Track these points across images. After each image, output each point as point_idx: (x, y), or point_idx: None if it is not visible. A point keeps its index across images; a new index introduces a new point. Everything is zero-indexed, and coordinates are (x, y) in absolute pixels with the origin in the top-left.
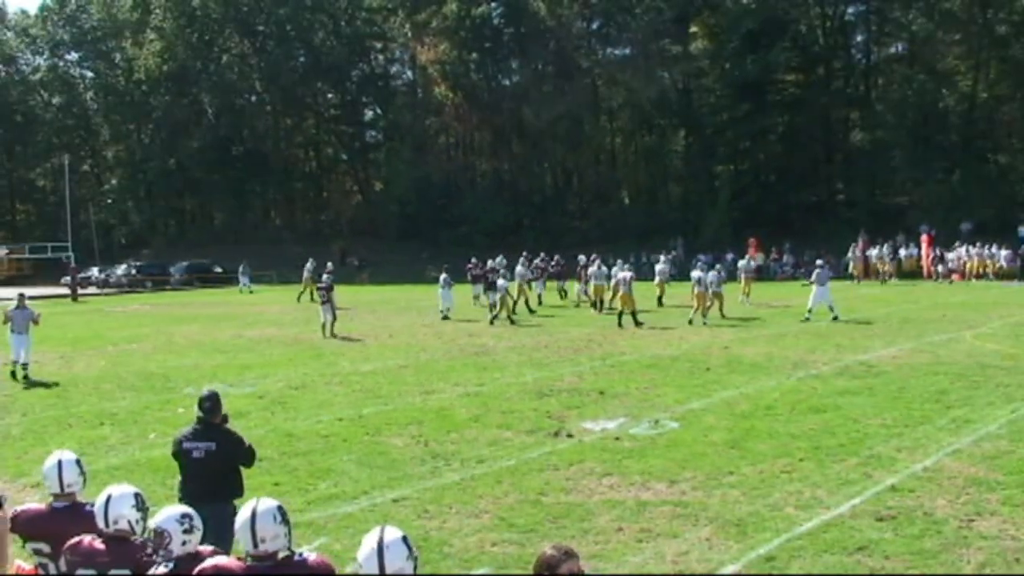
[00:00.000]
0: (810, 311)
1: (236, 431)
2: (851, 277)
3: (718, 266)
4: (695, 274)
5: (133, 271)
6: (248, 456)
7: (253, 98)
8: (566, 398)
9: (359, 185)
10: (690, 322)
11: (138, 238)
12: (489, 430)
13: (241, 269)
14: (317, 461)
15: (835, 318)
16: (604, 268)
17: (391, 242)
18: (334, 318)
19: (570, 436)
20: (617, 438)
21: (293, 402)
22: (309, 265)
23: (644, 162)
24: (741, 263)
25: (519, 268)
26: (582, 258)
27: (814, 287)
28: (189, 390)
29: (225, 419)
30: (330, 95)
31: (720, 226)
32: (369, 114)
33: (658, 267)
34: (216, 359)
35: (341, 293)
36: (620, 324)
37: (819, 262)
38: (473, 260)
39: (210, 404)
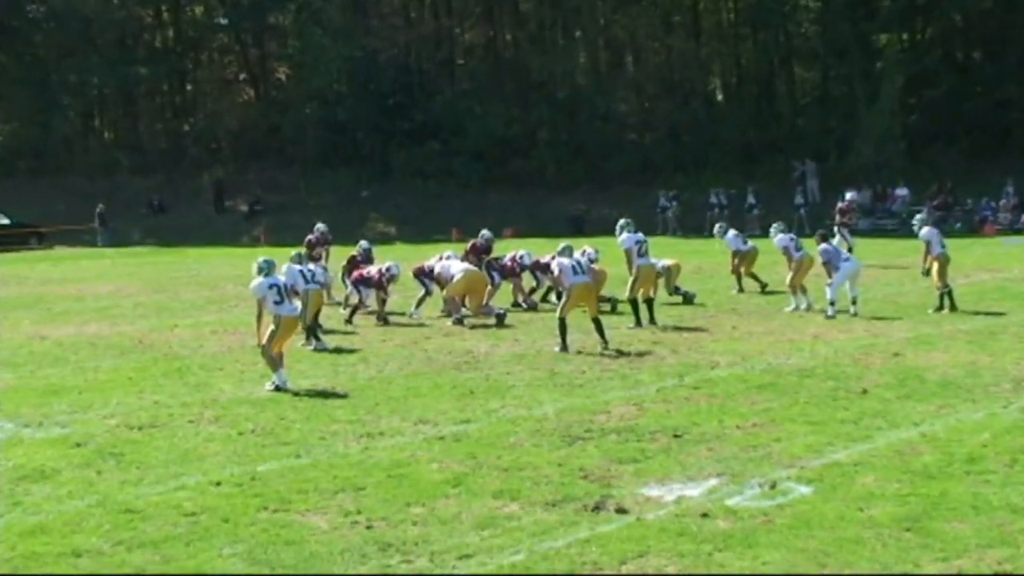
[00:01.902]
0: None
1: None
2: None
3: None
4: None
5: None
6: None
7: None
8: (614, 444)
9: (250, 72)
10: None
11: None
12: (480, 501)
13: (99, 213)
14: (176, 558)
15: None
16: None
17: (306, 172)
18: None
19: (622, 511)
20: (705, 514)
21: (135, 453)
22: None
23: (751, 29)
24: (919, 216)
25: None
26: (663, 199)
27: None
28: None
29: None
30: None
31: (883, 140)
32: None
33: (777, 238)
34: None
35: (215, 258)
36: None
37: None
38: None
39: None
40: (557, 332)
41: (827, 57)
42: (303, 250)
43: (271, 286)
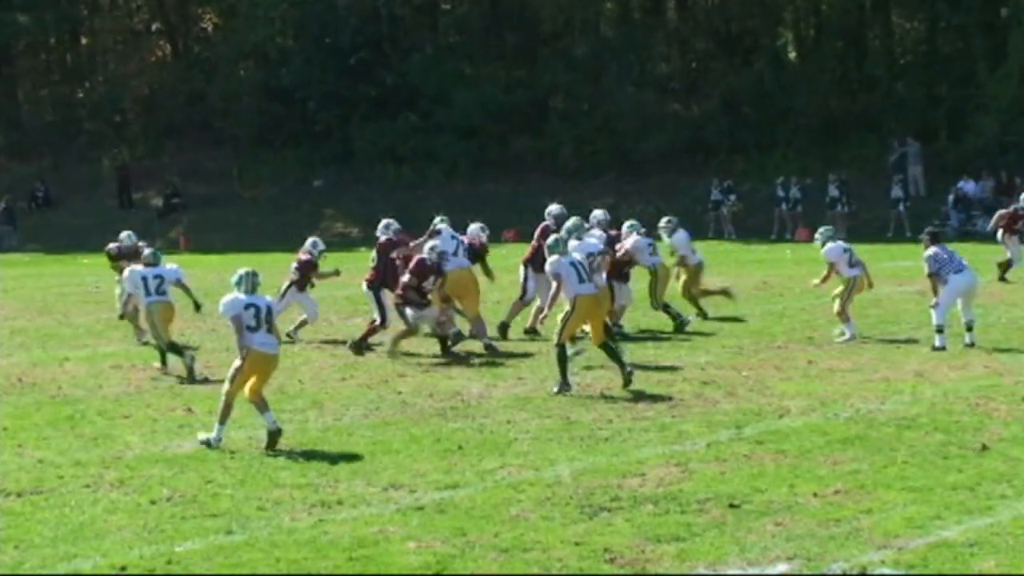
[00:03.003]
0: None
1: None
2: None
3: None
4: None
5: None
6: None
7: None
8: (650, 517)
9: (165, 21)
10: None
11: None
12: None
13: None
14: None
15: None
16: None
17: (240, 155)
18: None
19: None
20: None
21: (13, 528)
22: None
23: None
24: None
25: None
26: (715, 191)
27: None
28: None
29: None
30: None
31: (1011, 112)
32: None
33: (828, 247)
34: None
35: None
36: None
37: None
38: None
39: None
40: (556, 365)
41: (936, 2)
42: (148, 250)
43: (248, 306)
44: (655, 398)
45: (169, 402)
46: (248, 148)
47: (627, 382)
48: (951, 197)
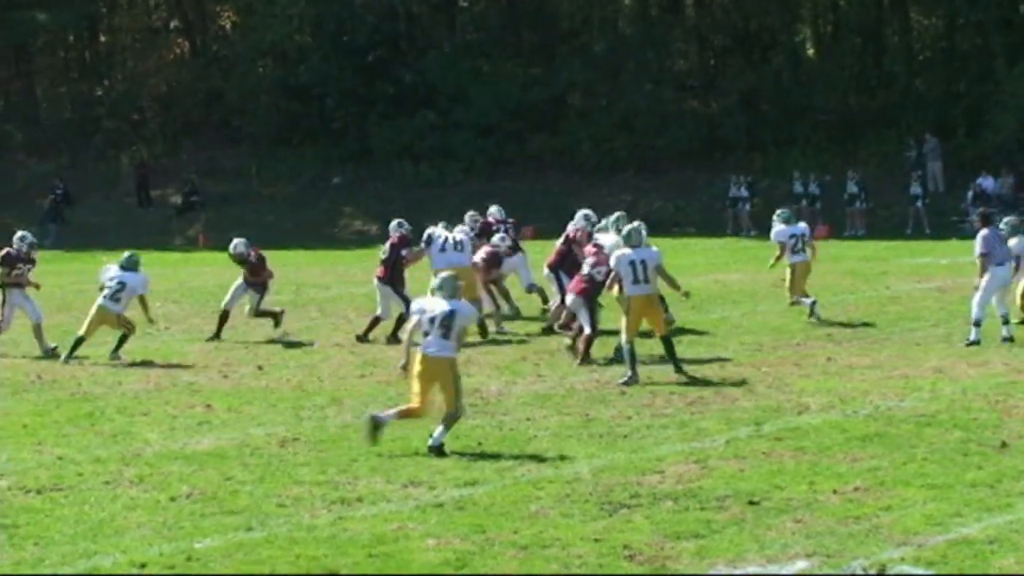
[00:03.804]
0: None
1: None
2: None
3: None
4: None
5: None
6: None
7: None
8: (669, 514)
9: (183, 19)
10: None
11: None
12: None
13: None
14: None
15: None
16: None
17: (258, 152)
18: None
19: None
20: None
21: (33, 525)
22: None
23: None
24: (1008, 220)
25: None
26: (734, 188)
27: None
28: None
29: None
30: None
31: None
32: None
33: (777, 229)
34: None
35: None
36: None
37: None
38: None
39: None
40: (625, 361)
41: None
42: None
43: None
44: (674, 395)
45: (188, 399)
46: (266, 146)
47: (680, 373)
48: (970, 194)
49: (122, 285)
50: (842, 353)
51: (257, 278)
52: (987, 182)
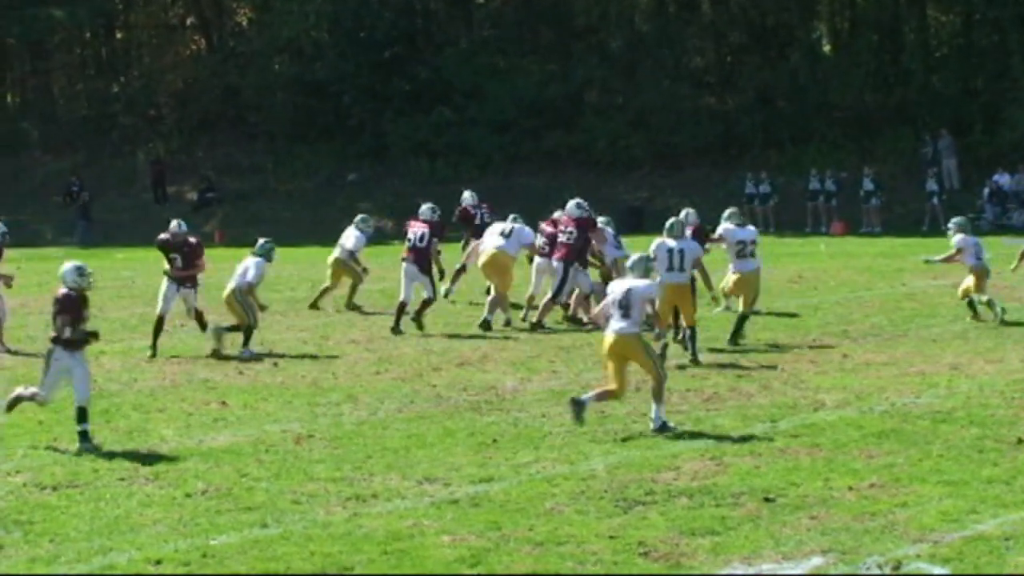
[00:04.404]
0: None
1: None
2: None
3: None
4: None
5: None
6: None
7: None
8: (684, 511)
9: (199, 16)
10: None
11: None
12: None
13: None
14: None
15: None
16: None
17: (275, 149)
18: None
19: None
20: None
21: (48, 522)
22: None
23: None
24: (955, 220)
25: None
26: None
27: None
28: None
29: None
30: None
31: None
32: None
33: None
34: None
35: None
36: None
37: None
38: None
39: None
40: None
41: None
42: None
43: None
44: (690, 392)
45: (204, 396)
46: (282, 142)
47: (695, 361)
48: (986, 191)
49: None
50: (858, 350)
51: (188, 271)
52: (1003, 179)
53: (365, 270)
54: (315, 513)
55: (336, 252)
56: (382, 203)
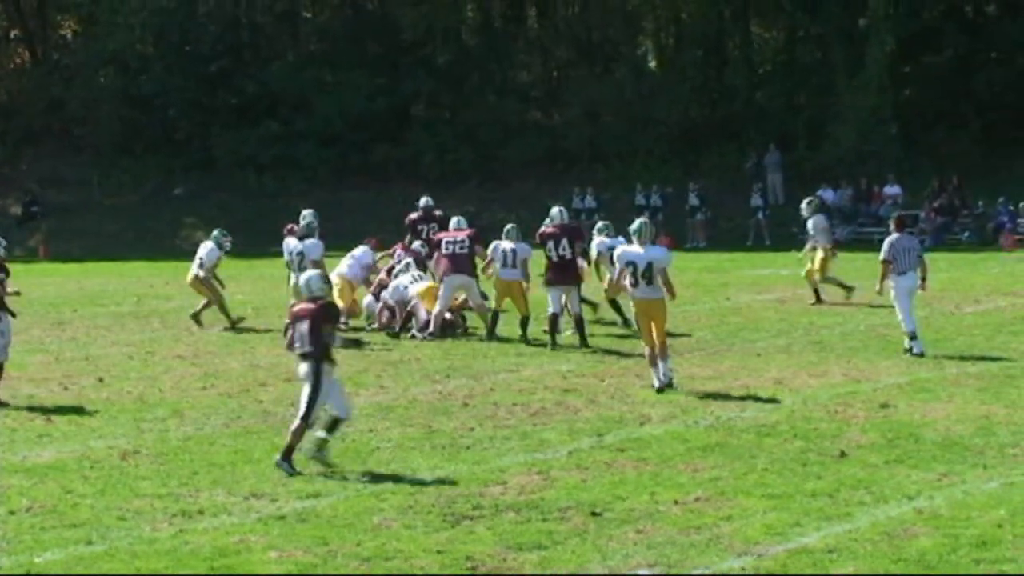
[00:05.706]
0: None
1: None
2: None
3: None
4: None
5: None
6: None
7: None
8: (512, 525)
9: (23, 27)
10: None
11: None
12: None
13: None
14: None
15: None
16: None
17: (100, 162)
18: None
19: None
20: None
21: None
22: None
23: None
24: (807, 200)
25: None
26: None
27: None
28: None
29: None
30: None
31: (868, 122)
32: None
33: (597, 241)
34: None
35: None
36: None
37: None
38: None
39: None
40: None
41: (795, 11)
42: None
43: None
44: (516, 406)
45: (28, 412)
46: (108, 156)
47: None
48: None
49: (301, 255)
50: (683, 364)
51: None
52: (827, 194)
53: (222, 285)
54: (141, 529)
55: (193, 269)
56: (208, 217)
